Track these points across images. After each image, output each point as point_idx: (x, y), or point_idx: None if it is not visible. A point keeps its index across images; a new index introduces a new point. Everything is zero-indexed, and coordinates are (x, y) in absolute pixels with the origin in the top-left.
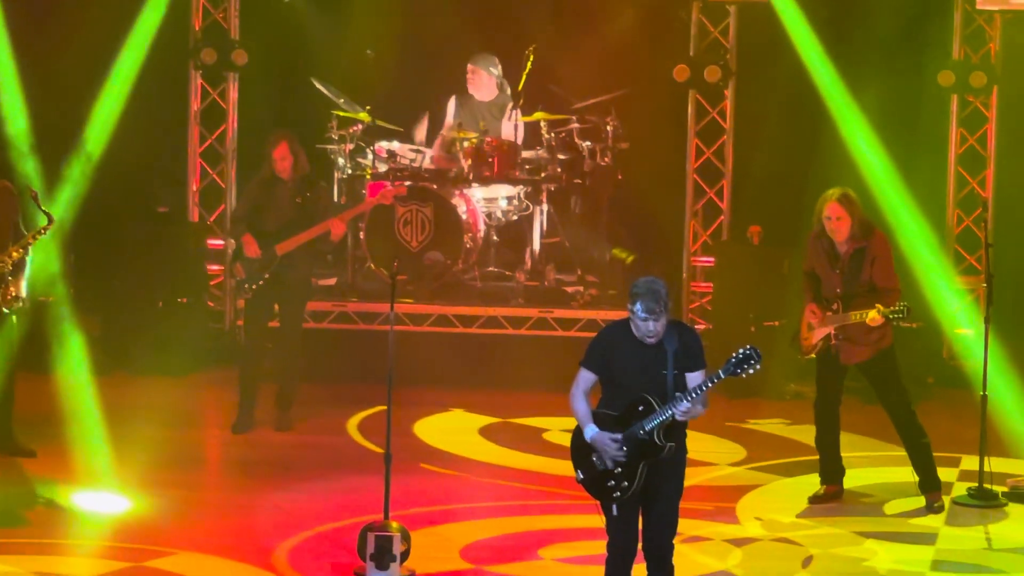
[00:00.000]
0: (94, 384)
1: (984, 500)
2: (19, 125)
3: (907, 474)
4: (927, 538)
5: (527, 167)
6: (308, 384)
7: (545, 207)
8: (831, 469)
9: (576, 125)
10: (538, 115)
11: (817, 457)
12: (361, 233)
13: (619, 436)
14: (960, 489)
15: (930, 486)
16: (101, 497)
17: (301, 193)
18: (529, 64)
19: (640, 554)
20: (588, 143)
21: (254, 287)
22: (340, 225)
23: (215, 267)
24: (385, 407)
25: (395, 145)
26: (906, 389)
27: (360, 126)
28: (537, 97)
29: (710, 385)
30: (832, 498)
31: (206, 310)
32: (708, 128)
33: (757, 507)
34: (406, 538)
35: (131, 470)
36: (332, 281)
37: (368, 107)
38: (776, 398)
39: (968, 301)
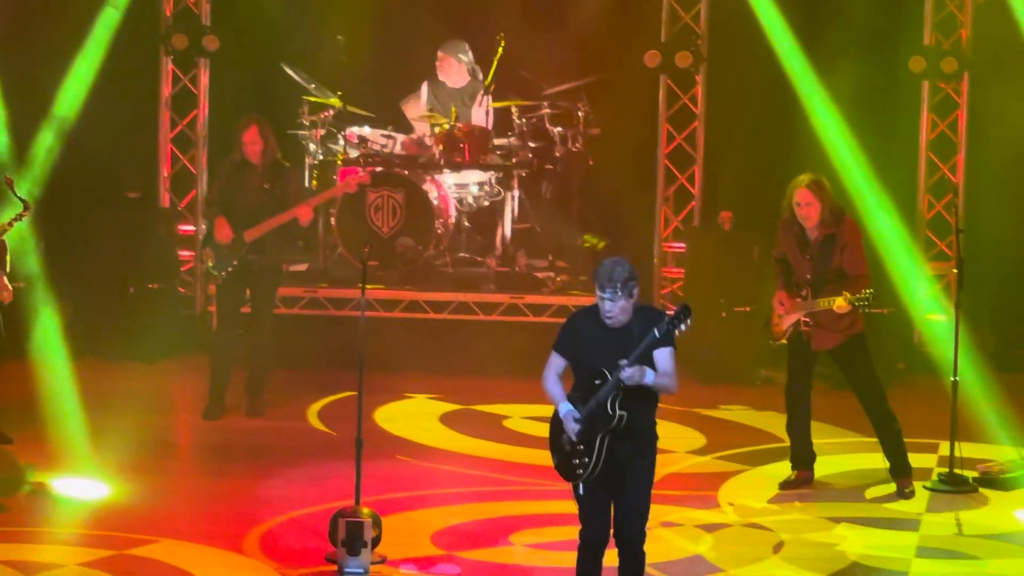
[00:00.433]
0: (68, 370)
1: (955, 486)
2: None
3: (878, 460)
4: (898, 523)
5: (498, 153)
6: (280, 370)
7: (516, 193)
8: (801, 455)
9: (547, 111)
10: (509, 101)
11: (785, 443)
12: (332, 219)
13: (580, 411)
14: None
15: (901, 472)
16: (77, 483)
17: (270, 179)
18: (500, 50)
19: (612, 541)
20: (559, 129)
21: (223, 273)
22: (308, 211)
23: (186, 253)
24: (349, 393)
25: (366, 131)
26: (877, 375)
27: (331, 111)
28: (508, 83)
29: (646, 345)
30: (802, 484)
31: (177, 296)
32: (679, 114)
33: (729, 494)
34: (377, 524)
35: (104, 456)
36: (303, 267)
37: (339, 92)
38: (747, 384)
39: (939, 287)
